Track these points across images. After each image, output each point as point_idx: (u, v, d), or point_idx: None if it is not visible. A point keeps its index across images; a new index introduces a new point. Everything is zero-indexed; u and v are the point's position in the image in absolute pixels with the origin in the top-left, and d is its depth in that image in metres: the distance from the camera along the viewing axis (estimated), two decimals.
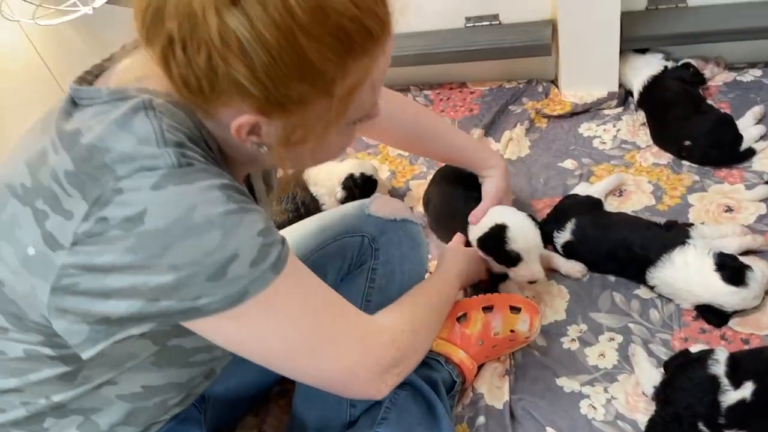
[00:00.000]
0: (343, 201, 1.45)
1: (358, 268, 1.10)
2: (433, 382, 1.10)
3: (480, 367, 1.19)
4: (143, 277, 0.64)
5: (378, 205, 1.12)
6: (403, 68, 1.92)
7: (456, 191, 1.37)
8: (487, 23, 1.83)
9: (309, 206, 1.50)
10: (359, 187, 1.47)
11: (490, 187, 1.29)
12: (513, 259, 1.21)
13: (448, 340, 1.15)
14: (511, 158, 1.65)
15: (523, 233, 1.20)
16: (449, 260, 1.17)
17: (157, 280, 0.64)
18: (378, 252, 1.09)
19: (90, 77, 0.76)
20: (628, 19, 1.64)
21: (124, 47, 0.79)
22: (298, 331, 0.74)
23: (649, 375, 1.09)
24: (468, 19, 1.83)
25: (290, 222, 1.22)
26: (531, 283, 1.25)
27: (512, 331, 1.16)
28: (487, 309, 1.18)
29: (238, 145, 0.73)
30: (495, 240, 1.21)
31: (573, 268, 1.32)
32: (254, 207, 0.70)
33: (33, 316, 0.69)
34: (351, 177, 1.48)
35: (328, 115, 0.70)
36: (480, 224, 1.25)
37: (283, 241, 0.72)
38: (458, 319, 1.17)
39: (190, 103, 0.69)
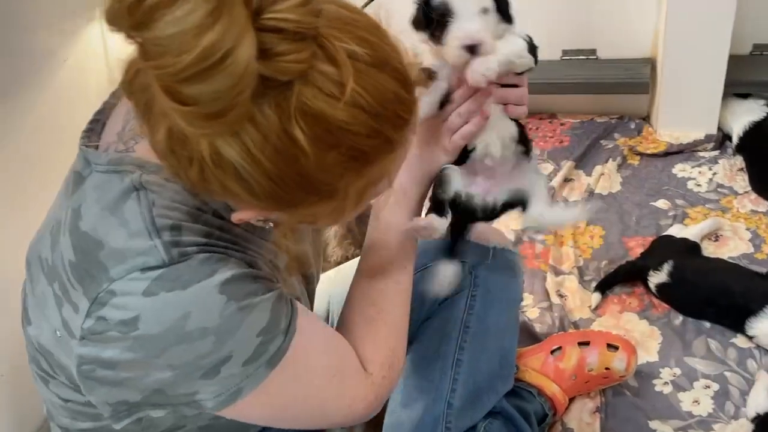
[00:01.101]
0: None
1: (457, 294, 1.12)
2: (525, 414, 1.10)
3: (570, 401, 1.19)
4: (145, 371, 0.64)
5: (478, 231, 1.14)
6: None
7: None
8: (584, 57, 1.84)
9: None
10: None
11: None
12: (442, 20, 0.79)
13: (541, 372, 1.16)
14: (602, 193, 1.65)
15: None
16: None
17: (157, 375, 0.64)
18: (477, 279, 1.10)
19: (98, 126, 0.74)
20: (731, 62, 1.62)
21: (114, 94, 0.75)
22: (291, 411, 0.74)
23: (761, 400, 1.09)
24: (565, 52, 1.85)
25: None
26: (470, 49, 0.78)
27: (607, 368, 1.16)
28: (583, 344, 1.18)
29: None
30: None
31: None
32: (260, 299, 0.66)
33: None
34: None
35: (340, 208, 0.64)
36: None
37: (286, 330, 0.68)
38: (552, 352, 1.18)
39: None
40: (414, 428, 1.07)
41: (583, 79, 1.79)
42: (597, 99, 1.88)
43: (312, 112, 0.53)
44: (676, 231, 1.46)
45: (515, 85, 0.88)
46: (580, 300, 1.40)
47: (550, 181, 1.69)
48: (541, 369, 1.16)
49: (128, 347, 0.63)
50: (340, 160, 0.57)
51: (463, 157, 0.90)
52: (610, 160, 1.73)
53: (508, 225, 1.57)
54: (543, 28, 1.80)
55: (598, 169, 1.71)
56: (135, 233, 0.62)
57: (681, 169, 1.67)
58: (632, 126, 1.83)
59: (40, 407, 0.82)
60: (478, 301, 1.09)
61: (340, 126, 0.55)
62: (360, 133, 0.56)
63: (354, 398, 0.77)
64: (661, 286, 1.32)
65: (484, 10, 0.78)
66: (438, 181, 0.90)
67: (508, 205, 0.93)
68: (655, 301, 1.35)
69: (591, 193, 1.65)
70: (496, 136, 0.88)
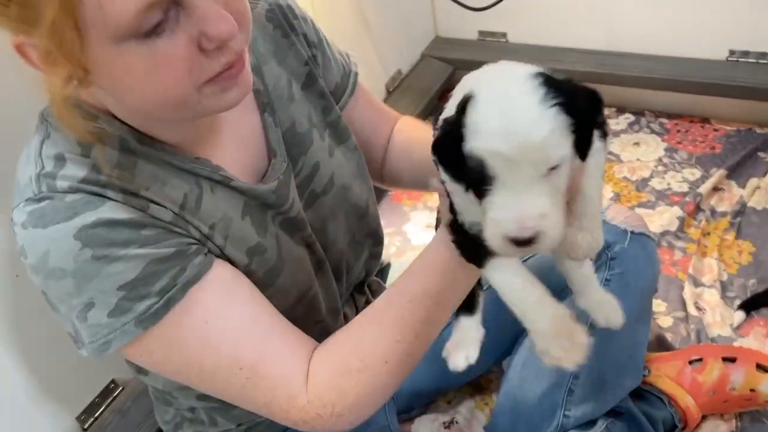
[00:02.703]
0: None
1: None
2: (652, 420, 1.02)
3: (701, 419, 1.08)
4: (50, 301, 0.67)
5: (615, 212, 1.06)
6: (641, 90, 1.83)
7: None
8: (753, 60, 1.68)
9: None
10: None
11: None
12: (476, 179, 0.54)
13: (675, 381, 1.06)
14: (755, 207, 1.50)
15: (500, 109, 0.52)
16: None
17: (58, 306, 0.66)
18: (613, 262, 1.01)
19: None
20: None
21: None
22: (191, 378, 0.70)
23: None
24: (732, 53, 1.70)
25: None
26: (519, 243, 0.54)
27: (752, 390, 1.04)
28: (728, 360, 1.07)
29: (134, 104, 0.62)
30: (450, 136, 0.55)
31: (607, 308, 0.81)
32: (125, 251, 0.62)
33: None
34: None
35: (57, 29, 0.52)
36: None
37: (163, 292, 0.64)
38: (691, 363, 1.08)
39: None
40: (530, 411, 1.02)
41: (748, 83, 1.64)
42: (757, 107, 1.71)
43: None
44: None
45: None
46: (720, 316, 1.28)
47: (698, 187, 1.57)
48: (676, 378, 1.07)
49: (30, 273, 0.65)
50: None
51: None
52: None
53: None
54: (708, 23, 1.69)
55: (753, 181, 1.56)
56: (28, 165, 0.65)
57: None
58: None
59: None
60: (612, 284, 1.01)
61: None
62: None
63: (273, 402, 0.70)
64: None
65: None
66: None
67: None
68: None
69: (743, 206, 1.50)
70: None
